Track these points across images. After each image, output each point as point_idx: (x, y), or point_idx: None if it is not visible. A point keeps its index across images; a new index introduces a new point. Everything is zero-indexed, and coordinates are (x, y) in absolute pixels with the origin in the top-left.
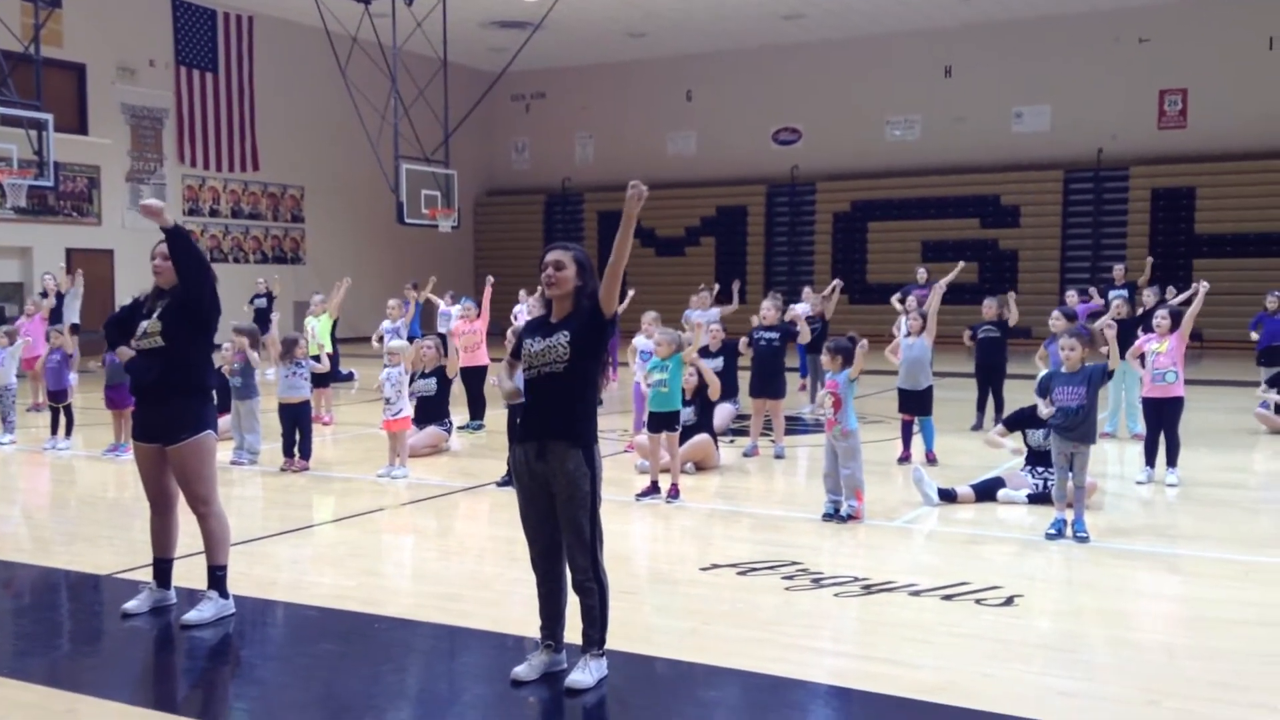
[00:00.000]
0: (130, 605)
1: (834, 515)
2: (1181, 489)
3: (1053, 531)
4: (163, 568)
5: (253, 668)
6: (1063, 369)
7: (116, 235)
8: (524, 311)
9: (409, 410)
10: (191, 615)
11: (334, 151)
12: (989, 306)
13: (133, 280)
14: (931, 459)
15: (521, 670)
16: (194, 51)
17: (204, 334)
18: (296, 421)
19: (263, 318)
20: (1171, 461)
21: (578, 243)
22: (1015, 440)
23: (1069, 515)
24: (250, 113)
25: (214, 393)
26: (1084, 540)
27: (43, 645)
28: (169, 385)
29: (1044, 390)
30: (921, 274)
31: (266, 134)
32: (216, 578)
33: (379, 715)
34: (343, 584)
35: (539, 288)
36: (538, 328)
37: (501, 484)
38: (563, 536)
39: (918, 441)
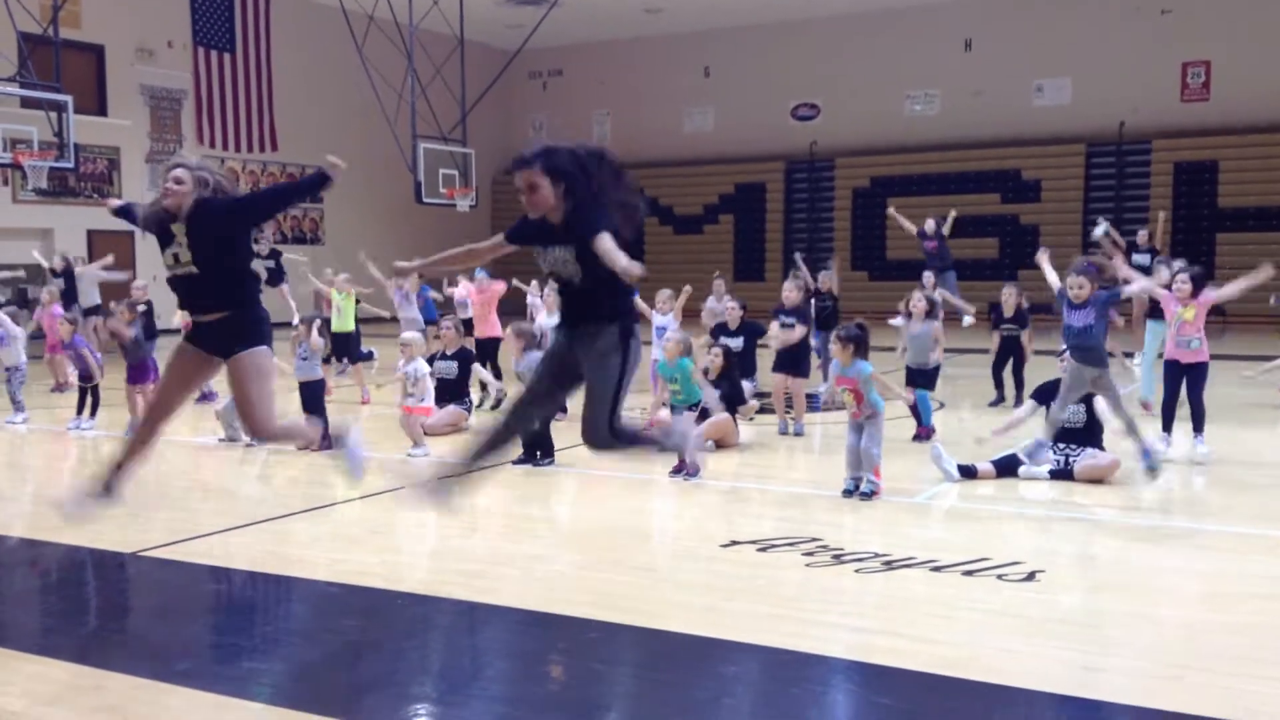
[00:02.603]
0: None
1: (854, 491)
2: (1202, 465)
3: (1027, 458)
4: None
5: (277, 644)
6: (1072, 301)
7: None
8: (539, 305)
9: (430, 399)
10: (352, 471)
11: (352, 131)
12: (1008, 298)
13: (154, 261)
14: (927, 434)
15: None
16: (211, 32)
17: (244, 257)
18: (310, 400)
19: (274, 278)
20: (1199, 428)
21: None
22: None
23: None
24: (268, 93)
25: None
26: (1154, 468)
27: (70, 622)
28: (218, 299)
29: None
30: (930, 225)
31: (284, 114)
32: (337, 438)
33: (402, 690)
34: (365, 561)
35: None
36: (537, 231)
37: (518, 462)
38: (584, 408)
39: (938, 416)
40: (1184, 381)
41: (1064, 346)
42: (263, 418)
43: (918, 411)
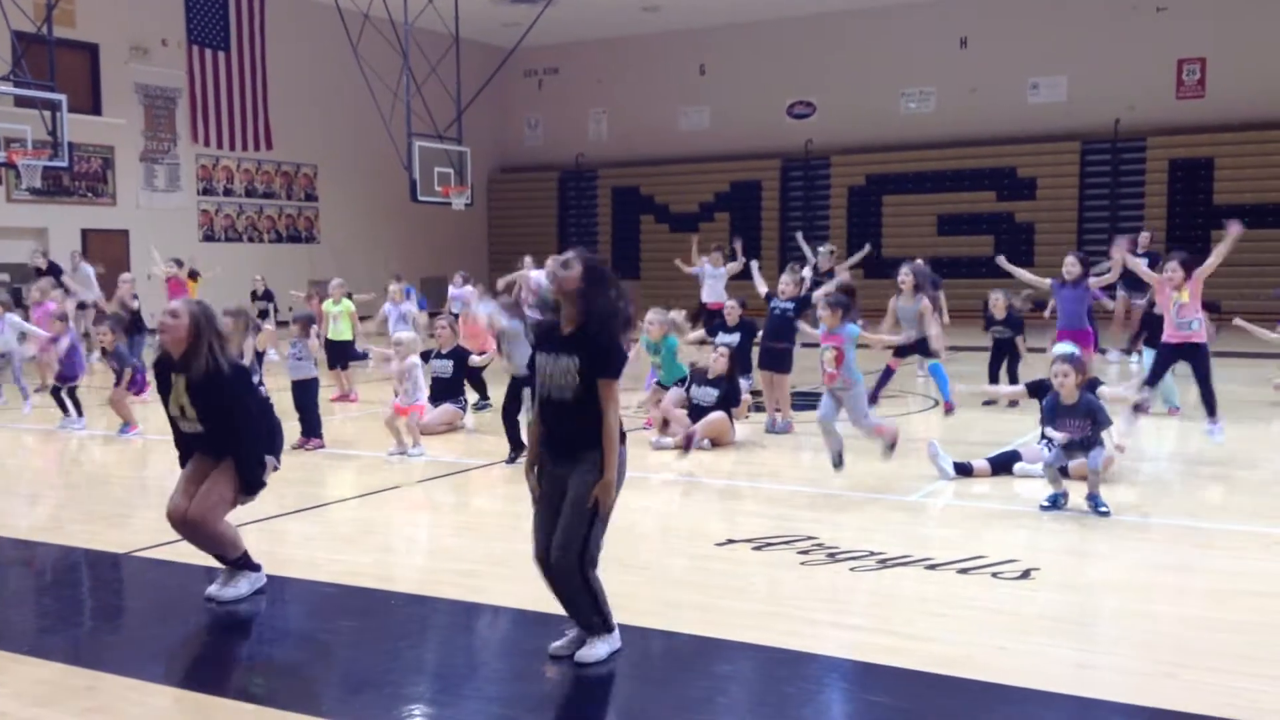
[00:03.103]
0: (214, 589)
1: (840, 459)
2: (1199, 463)
3: (1046, 504)
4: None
5: (271, 644)
6: (1061, 400)
7: (132, 215)
8: (530, 277)
9: (423, 397)
10: (227, 592)
11: (347, 130)
12: (996, 302)
13: (146, 259)
14: (950, 409)
15: (559, 645)
16: (206, 30)
17: (248, 413)
18: (303, 399)
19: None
20: (1211, 412)
21: (591, 219)
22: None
23: (1077, 489)
24: (263, 91)
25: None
26: (1105, 514)
27: (63, 623)
28: (225, 448)
29: (1050, 419)
30: (918, 263)
31: (279, 113)
32: (241, 564)
33: (397, 690)
34: (359, 561)
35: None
36: (548, 336)
37: (510, 461)
38: (556, 535)
39: (933, 415)
40: (1179, 365)
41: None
42: (214, 513)
43: (884, 379)
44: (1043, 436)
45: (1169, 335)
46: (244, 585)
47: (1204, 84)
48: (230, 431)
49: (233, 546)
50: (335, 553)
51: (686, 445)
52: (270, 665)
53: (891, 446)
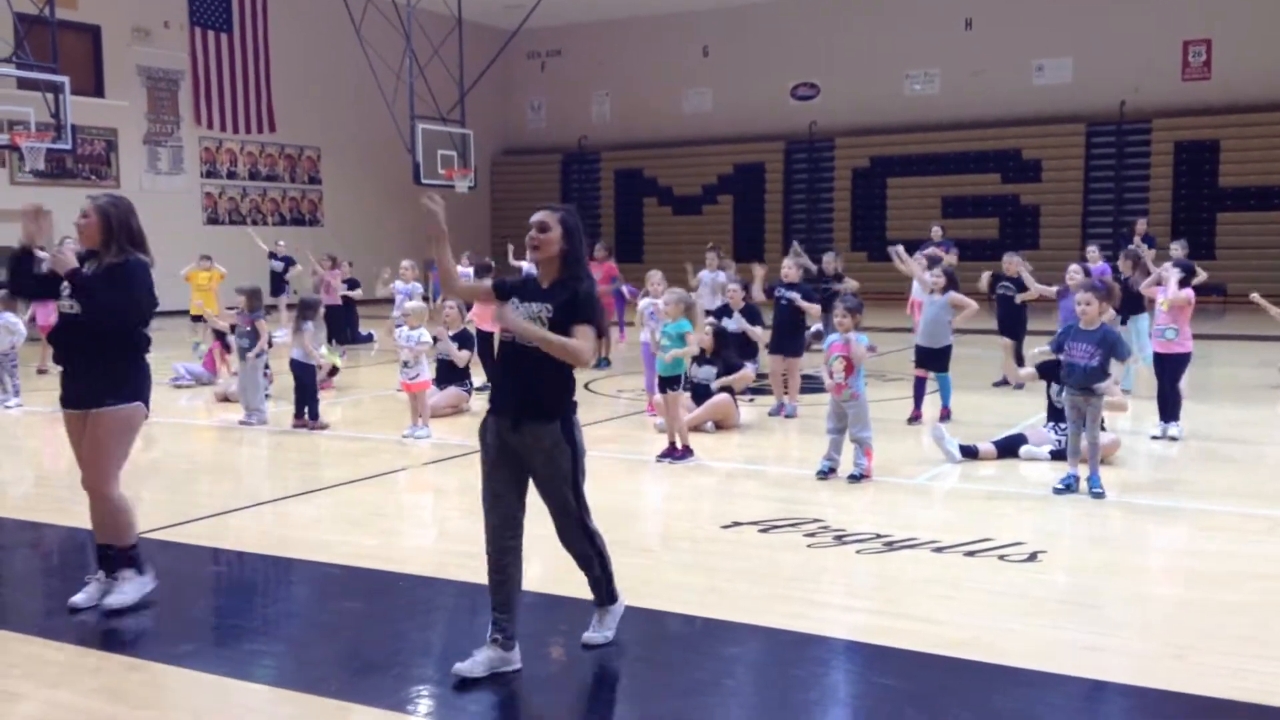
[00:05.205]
0: (79, 599)
1: (828, 474)
2: (1205, 446)
3: (1061, 486)
4: (109, 553)
5: (278, 626)
6: (1080, 324)
7: (135, 198)
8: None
9: (428, 372)
10: (113, 599)
11: (350, 112)
12: (1009, 263)
13: (151, 242)
14: (946, 415)
15: (465, 666)
16: (208, 12)
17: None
18: (301, 381)
19: (278, 280)
20: (1168, 416)
21: (594, 202)
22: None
23: (1082, 471)
24: (266, 73)
25: (145, 359)
26: (1099, 496)
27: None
28: (91, 349)
29: (1059, 346)
30: (936, 231)
31: (282, 95)
32: (129, 557)
33: (404, 671)
34: (365, 543)
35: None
36: (524, 287)
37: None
38: (550, 515)
39: (931, 401)
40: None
41: (1064, 364)
42: (105, 477)
43: (918, 392)
44: (1049, 419)
45: (1155, 345)
46: (131, 590)
47: (1209, 66)
48: (103, 310)
49: (129, 522)
50: (342, 534)
51: (671, 455)
52: (278, 646)
53: (859, 479)
